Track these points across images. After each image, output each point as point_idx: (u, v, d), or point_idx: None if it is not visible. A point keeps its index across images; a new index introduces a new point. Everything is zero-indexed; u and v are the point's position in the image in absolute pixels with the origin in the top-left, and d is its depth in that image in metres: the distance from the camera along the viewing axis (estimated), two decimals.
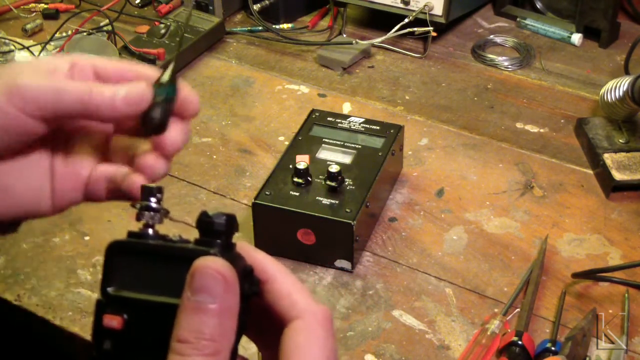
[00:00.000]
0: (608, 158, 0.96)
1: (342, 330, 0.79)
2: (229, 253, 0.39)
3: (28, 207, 0.50)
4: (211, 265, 0.37)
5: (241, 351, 0.40)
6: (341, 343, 0.77)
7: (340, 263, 0.84)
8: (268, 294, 0.42)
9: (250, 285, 0.40)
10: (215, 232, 0.39)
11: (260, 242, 0.86)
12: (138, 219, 0.42)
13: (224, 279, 0.37)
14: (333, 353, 0.40)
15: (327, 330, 0.40)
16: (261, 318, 0.42)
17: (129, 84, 0.48)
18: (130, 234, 0.41)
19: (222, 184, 0.98)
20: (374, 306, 0.81)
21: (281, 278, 0.42)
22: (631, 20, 1.31)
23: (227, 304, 0.37)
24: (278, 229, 0.85)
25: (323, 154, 0.91)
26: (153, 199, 0.42)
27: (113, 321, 0.38)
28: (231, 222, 0.40)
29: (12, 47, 1.19)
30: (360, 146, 0.91)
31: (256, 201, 0.84)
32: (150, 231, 0.41)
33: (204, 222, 0.40)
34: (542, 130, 1.06)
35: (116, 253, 0.40)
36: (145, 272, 0.39)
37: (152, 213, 0.41)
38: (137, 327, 0.38)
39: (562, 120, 1.08)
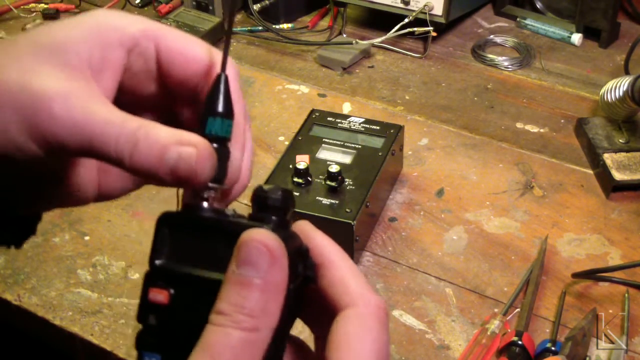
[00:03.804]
0: (608, 158, 0.96)
1: None
2: (284, 230, 0.37)
3: (71, 198, 0.44)
4: (258, 238, 0.35)
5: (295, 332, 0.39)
6: None
7: None
8: (322, 278, 0.39)
9: (305, 268, 0.38)
10: (270, 208, 0.37)
11: None
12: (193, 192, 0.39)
13: (271, 253, 0.35)
14: (385, 347, 0.37)
15: (381, 322, 0.38)
16: (315, 303, 0.40)
17: (182, 147, 0.37)
18: (185, 207, 0.39)
19: None
20: None
21: (337, 262, 0.39)
22: (631, 20, 1.31)
23: (272, 280, 0.35)
24: None
25: (323, 154, 0.91)
26: None
27: (159, 295, 0.37)
28: (287, 198, 0.38)
29: None
30: (360, 146, 0.91)
31: None
32: (205, 204, 0.39)
33: (259, 196, 0.37)
34: (542, 130, 1.06)
35: (166, 225, 0.38)
36: (194, 246, 0.37)
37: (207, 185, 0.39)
38: (183, 302, 0.37)
39: (562, 120, 1.08)
